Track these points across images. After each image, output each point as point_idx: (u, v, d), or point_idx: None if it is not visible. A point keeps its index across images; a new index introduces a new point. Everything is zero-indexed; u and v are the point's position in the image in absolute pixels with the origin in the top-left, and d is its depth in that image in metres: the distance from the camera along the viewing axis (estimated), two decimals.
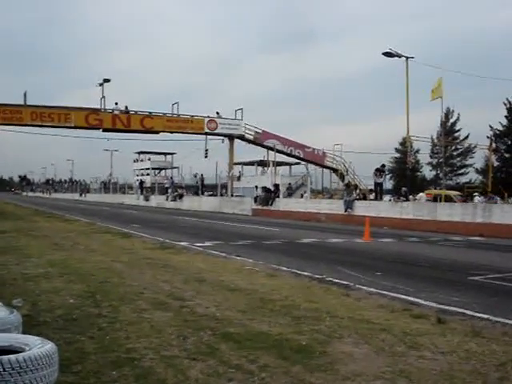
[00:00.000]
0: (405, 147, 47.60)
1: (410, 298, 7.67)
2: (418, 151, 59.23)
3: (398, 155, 64.22)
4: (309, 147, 48.20)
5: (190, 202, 44.05)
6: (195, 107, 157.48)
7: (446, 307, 7.08)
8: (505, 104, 57.46)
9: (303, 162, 46.78)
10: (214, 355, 4.73)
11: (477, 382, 4.21)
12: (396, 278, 9.66)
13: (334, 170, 46.79)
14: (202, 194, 45.80)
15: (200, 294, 7.53)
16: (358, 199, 28.67)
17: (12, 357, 2.77)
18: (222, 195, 43.20)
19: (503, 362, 4.66)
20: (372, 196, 29.44)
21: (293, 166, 55.94)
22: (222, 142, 45.79)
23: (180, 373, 4.26)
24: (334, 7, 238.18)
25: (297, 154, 47.75)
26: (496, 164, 54.55)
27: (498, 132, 57.58)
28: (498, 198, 29.18)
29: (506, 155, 57.28)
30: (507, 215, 20.29)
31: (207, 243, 15.14)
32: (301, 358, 4.71)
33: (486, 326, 6.07)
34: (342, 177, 43.88)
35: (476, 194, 34.16)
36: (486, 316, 6.52)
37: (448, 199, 30.13)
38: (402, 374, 4.34)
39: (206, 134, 44.10)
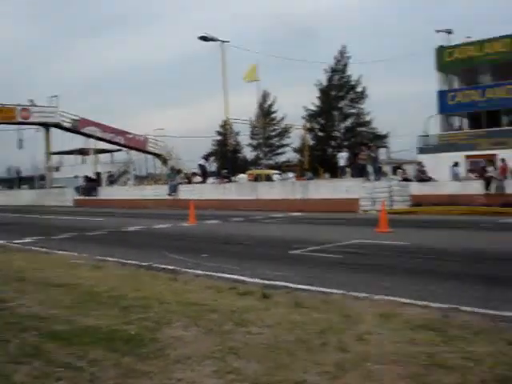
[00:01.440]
0: (225, 130, 48.76)
1: (235, 277, 7.85)
2: (238, 133, 60.95)
3: (219, 138, 65.50)
4: (130, 133, 47.36)
5: (5, 197, 41.47)
6: (11, 95, 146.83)
7: (271, 282, 7.35)
8: (316, 85, 60.99)
9: (125, 149, 45.90)
10: (40, 356, 4.47)
11: (301, 349, 4.42)
12: (221, 258, 9.85)
13: (157, 156, 46.52)
14: (19, 187, 43.19)
15: (21, 293, 7.07)
16: (182, 183, 28.83)
17: None
18: (41, 187, 41.12)
19: (324, 329, 4.94)
20: (196, 179, 29.77)
21: (115, 153, 54.68)
22: (37, 131, 43.52)
23: (4, 379, 3.97)
24: None
25: (118, 141, 46.71)
26: (312, 143, 57.96)
27: (312, 112, 61.05)
28: (310, 174, 30.96)
29: (320, 134, 60.93)
30: (321, 190, 21.68)
31: (27, 239, 14.27)
32: (131, 347, 4.61)
33: (307, 296, 6.39)
34: (165, 161, 43.79)
35: (275, 172, 36.11)
36: (307, 287, 6.88)
37: (268, 178, 31.40)
38: (231, 351, 4.43)
39: (20, 123, 41.63)
